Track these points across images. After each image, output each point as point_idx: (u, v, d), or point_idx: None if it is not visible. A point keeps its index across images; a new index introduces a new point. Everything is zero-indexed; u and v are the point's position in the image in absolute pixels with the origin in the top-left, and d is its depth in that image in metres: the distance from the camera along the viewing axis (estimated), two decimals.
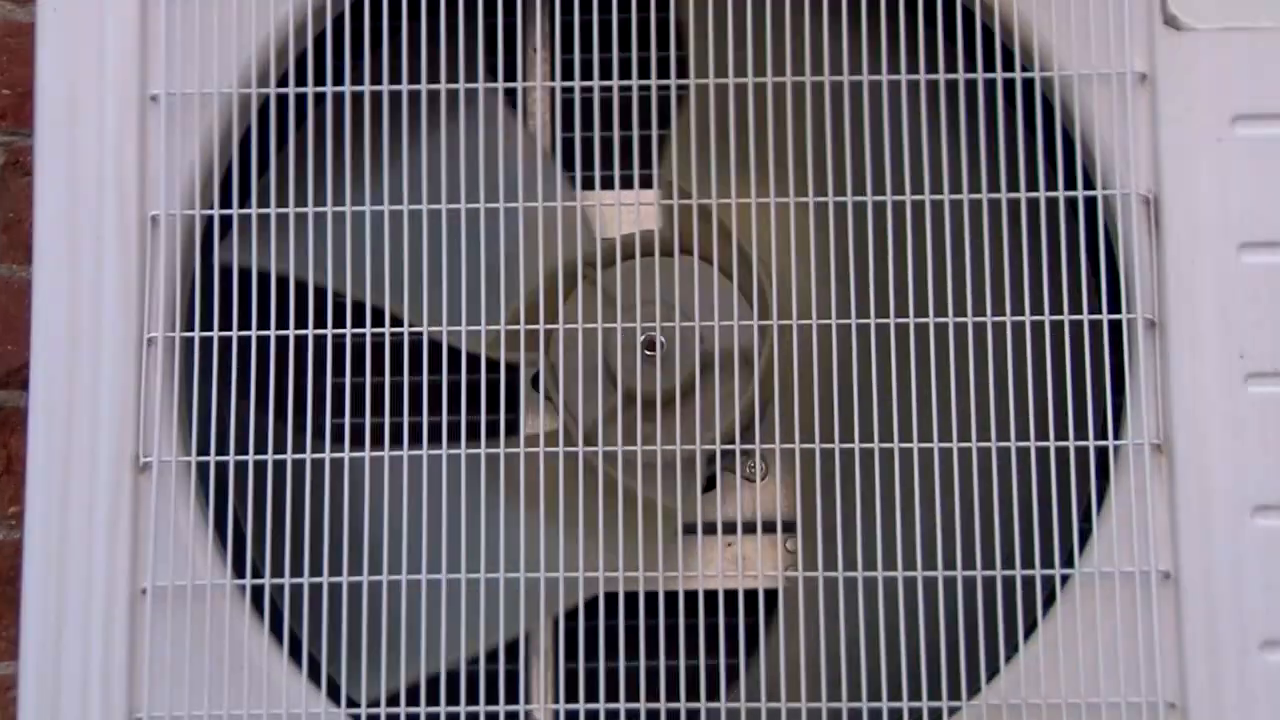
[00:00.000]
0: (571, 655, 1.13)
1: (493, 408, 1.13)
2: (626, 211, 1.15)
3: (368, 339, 1.12)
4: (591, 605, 1.11)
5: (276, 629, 1.10)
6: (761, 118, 1.11)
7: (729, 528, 1.14)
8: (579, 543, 1.07)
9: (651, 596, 1.10)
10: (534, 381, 1.16)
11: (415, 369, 1.13)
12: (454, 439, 1.12)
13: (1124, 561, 1.08)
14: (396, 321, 1.12)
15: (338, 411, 1.14)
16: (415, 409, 1.13)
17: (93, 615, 1.08)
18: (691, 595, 1.10)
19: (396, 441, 1.10)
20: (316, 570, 1.09)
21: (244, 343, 1.11)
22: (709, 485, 1.14)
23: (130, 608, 1.09)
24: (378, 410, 1.11)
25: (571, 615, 1.11)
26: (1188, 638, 1.07)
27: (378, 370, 1.11)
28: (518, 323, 1.11)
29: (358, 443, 1.11)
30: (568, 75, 1.16)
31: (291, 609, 1.10)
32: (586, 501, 1.08)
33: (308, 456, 1.10)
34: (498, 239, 1.10)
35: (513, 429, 1.15)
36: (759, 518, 1.11)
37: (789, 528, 1.13)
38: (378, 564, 1.09)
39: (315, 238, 1.12)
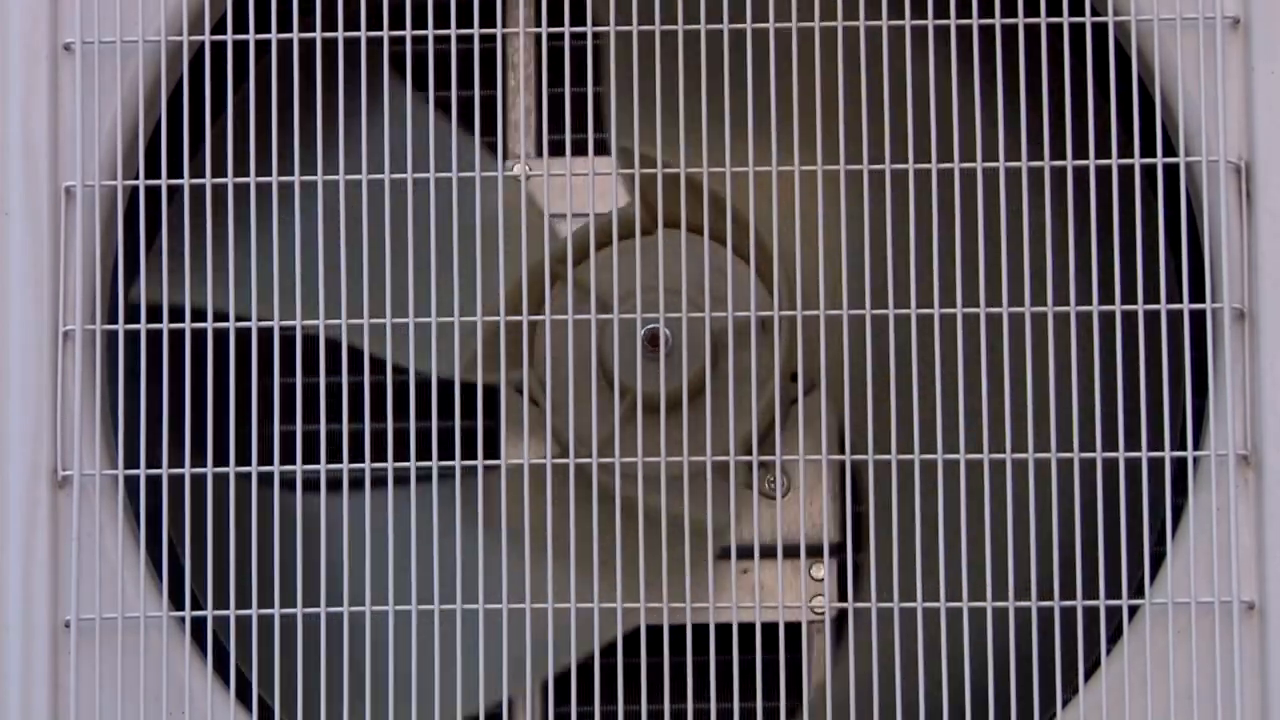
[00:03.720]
0: (564, 699, 1.12)
1: (469, 442, 1.11)
2: (581, 188, 1.12)
3: (321, 335, 1.10)
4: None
5: (221, 667, 1.09)
6: (763, 66, 1.09)
7: (745, 552, 1.13)
8: (591, 574, 1.06)
9: (676, 630, 1.09)
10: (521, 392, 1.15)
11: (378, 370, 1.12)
12: (428, 475, 1.09)
13: (1202, 591, 1.07)
14: (356, 351, 1.11)
15: (288, 419, 1.13)
16: (380, 448, 1.10)
17: (8, 652, 1.07)
18: (703, 628, 1.09)
19: (361, 471, 1.09)
20: (266, 601, 1.08)
21: (177, 336, 1.09)
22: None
23: (51, 643, 1.07)
24: (337, 440, 1.10)
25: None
26: (1274, 678, 1.06)
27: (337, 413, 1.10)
28: (491, 342, 1.09)
29: (312, 457, 1.10)
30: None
31: (238, 645, 1.08)
32: (600, 526, 1.06)
33: (254, 470, 1.09)
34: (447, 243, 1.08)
35: (494, 451, 1.13)
36: (780, 540, 1.11)
37: (813, 551, 1.13)
38: (338, 594, 1.09)
39: (238, 267, 1.09)
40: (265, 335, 1.10)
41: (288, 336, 1.12)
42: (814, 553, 1.12)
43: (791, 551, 1.11)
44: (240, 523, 1.09)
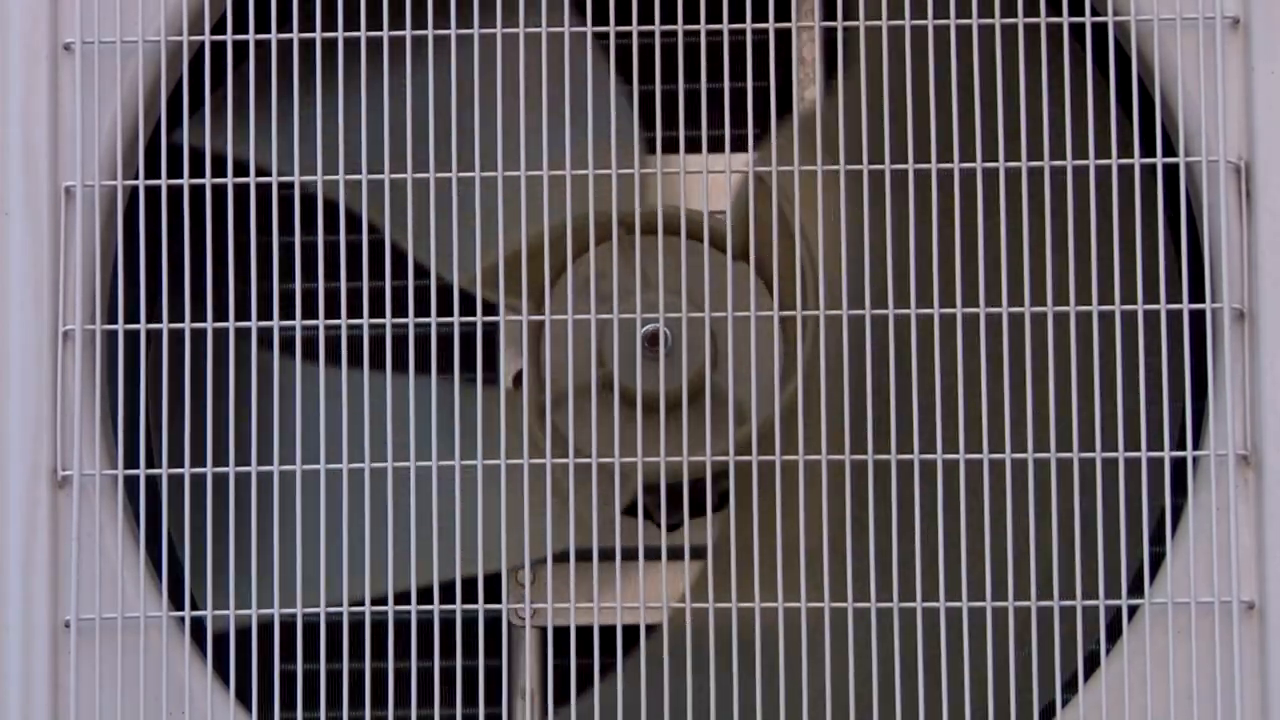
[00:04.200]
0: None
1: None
2: (696, 185, 1.11)
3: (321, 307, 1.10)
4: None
5: (221, 668, 1.09)
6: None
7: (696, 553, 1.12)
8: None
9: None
10: (516, 380, 1.15)
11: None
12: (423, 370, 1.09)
13: (1202, 591, 1.07)
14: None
15: (289, 413, 1.12)
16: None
17: (8, 652, 1.07)
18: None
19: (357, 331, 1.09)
20: (266, 602, 1.08)
21: (177, 336, 1.09)
22: (722, 503, 1.13)
23: (51, 643, 1.07)
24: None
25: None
26: (1274, 678, 1.06)
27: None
28: (514, 265, 1.09)
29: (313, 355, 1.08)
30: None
31: (238, 645, 1.08)
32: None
33: (253, 469, 1.09)
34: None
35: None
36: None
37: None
38: (337, 590, 1.09)
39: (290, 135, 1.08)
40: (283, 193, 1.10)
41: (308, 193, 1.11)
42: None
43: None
44: (240, 515, 1.09)
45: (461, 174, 1.10)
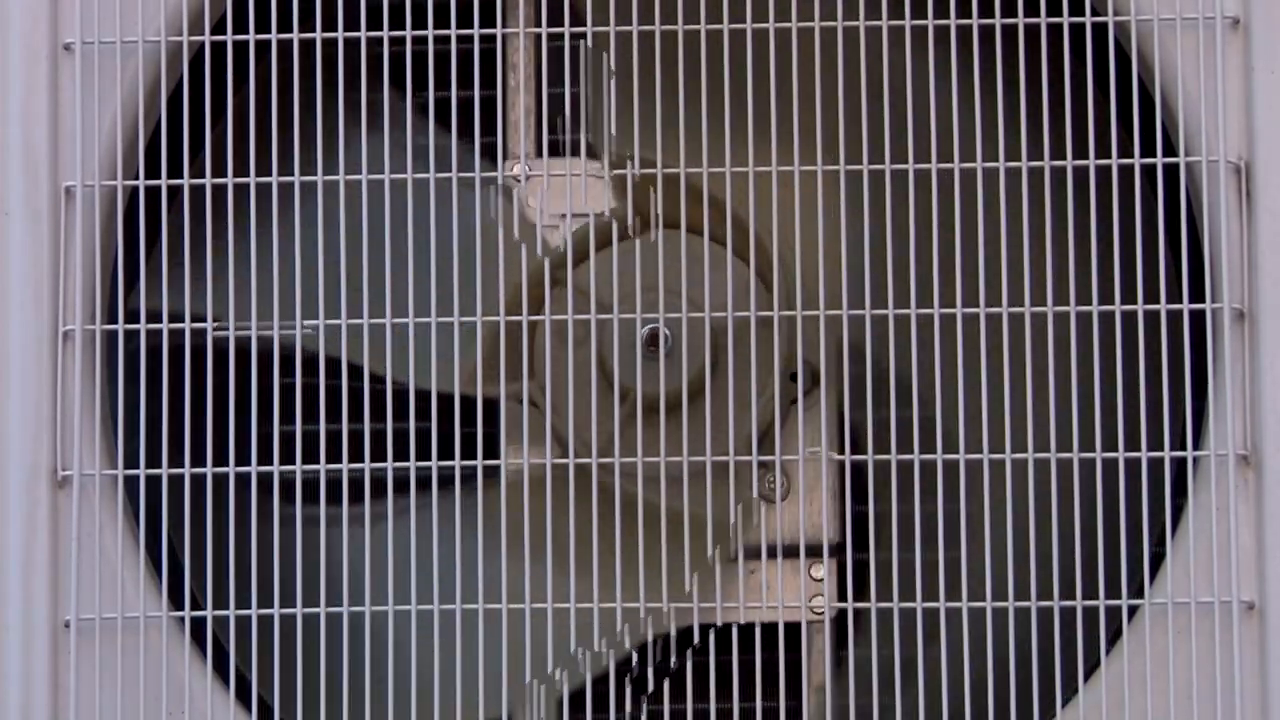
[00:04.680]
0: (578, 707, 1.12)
1: (470, 450, 1.11)
2: (576, 189, 1.12)
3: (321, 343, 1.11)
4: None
5: (221, 667, 1.09)
6: (761, 67, 1.09)
7: (750, 553, 1.12)
8: (613, 575, 1.06)
9: (685, 631, 1.09)
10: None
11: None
12: (428, 485, 1.09)
13: (1202, 591, 1.07)
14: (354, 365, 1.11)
15: (287, 421, 1.13)
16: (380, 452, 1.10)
17: (8, 652, 1.07)
18: (714, 627, 1.10)
19: (360, 474, 1.09)
20: (266, 603, 1.08)
21: (178, 337, 1.10)
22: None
23: (51, 643, 1.08)
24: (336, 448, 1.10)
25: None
26: (1274, 678, 1.06)
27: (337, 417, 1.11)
28: (491, 355, 1.09)
29: (312, 459, 1.10)
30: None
31: (238, 645, 1.09)
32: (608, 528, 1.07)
33: (253, 470, 1.09)
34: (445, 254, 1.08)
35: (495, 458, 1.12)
36: (780, 541, 1.11)
37: (813, 551, 1.13)
38: (339, 597, 1.09)
39: (237, 272, 1.09)
40: (264, 343, 1.10)
41: (287, 343, 1.11)
42: (815, 553, 1.13)
43: (791, 552, 1.12)
44: (240, 526, 1.09)
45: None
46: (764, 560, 1.11)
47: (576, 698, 1.11)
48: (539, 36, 1.15)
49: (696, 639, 1.10)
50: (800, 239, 1.10)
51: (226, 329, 1.10)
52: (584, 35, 1.11)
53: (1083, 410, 1.08)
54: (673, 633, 1.10)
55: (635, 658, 1.10)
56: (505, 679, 1.07)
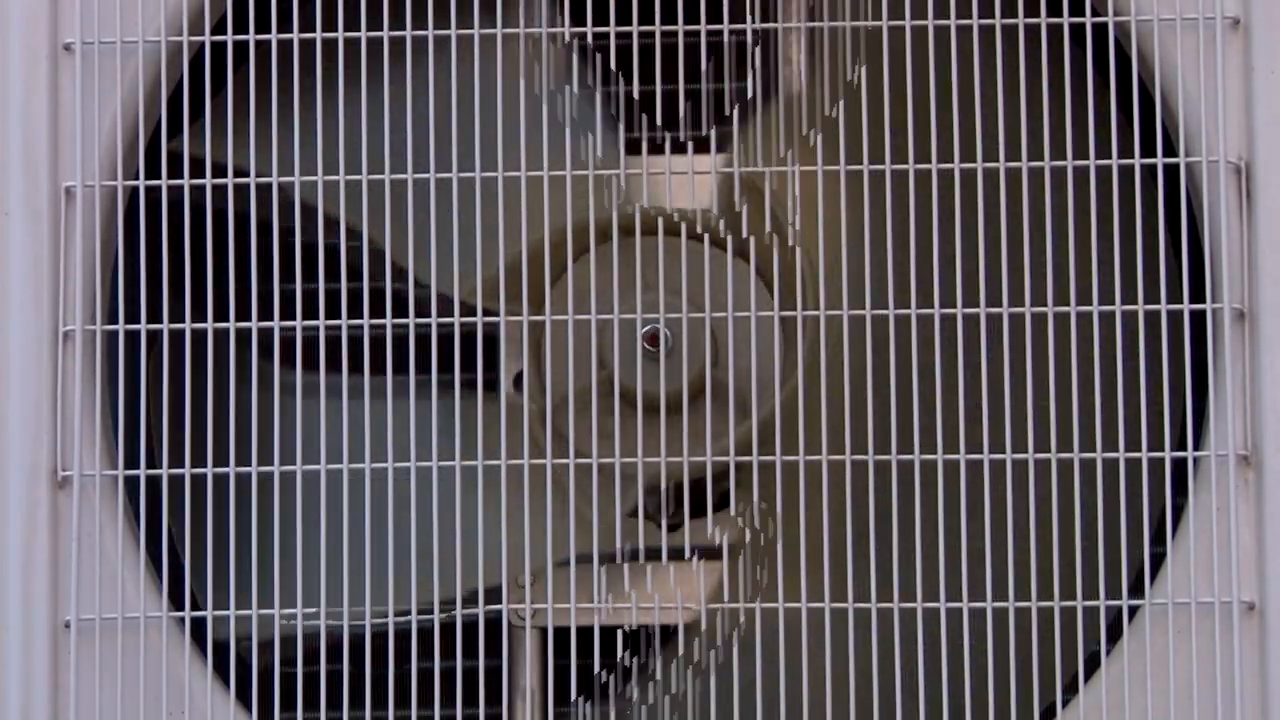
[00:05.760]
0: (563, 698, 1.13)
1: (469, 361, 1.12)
2: (679, 185, 1.13)
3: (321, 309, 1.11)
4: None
5: (222, 668, 1.10)
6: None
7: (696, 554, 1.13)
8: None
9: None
10: (516, 381, 1.16)
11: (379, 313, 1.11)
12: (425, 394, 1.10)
13: (1202, 591, 1.07)
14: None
15: (289, 413, 1.13)
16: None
17: (8, 652, 1.08)
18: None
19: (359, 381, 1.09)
20: (267, 602, 1.09)
21: (177, 337, 1.10)
22: (723, 503, 1.14)
23: (51, 643, 1.08)
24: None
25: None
26: (1274, 678, 1.07)
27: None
28: (513, 274, 1.10)
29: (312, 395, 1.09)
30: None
31: (238, 646, 1.09)
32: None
33: (254, 470, 1.10)
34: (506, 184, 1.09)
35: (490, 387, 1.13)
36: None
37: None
38: (338, 591, 1.09)
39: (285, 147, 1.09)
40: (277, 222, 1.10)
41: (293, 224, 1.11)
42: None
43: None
44: (240, 515, 1.10)
45: (439, 175, 1.10)
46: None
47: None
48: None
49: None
50: (800, 240, 1.11)
51: (226, 326, 1.11)
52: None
53: (1083, 410, 1.09)
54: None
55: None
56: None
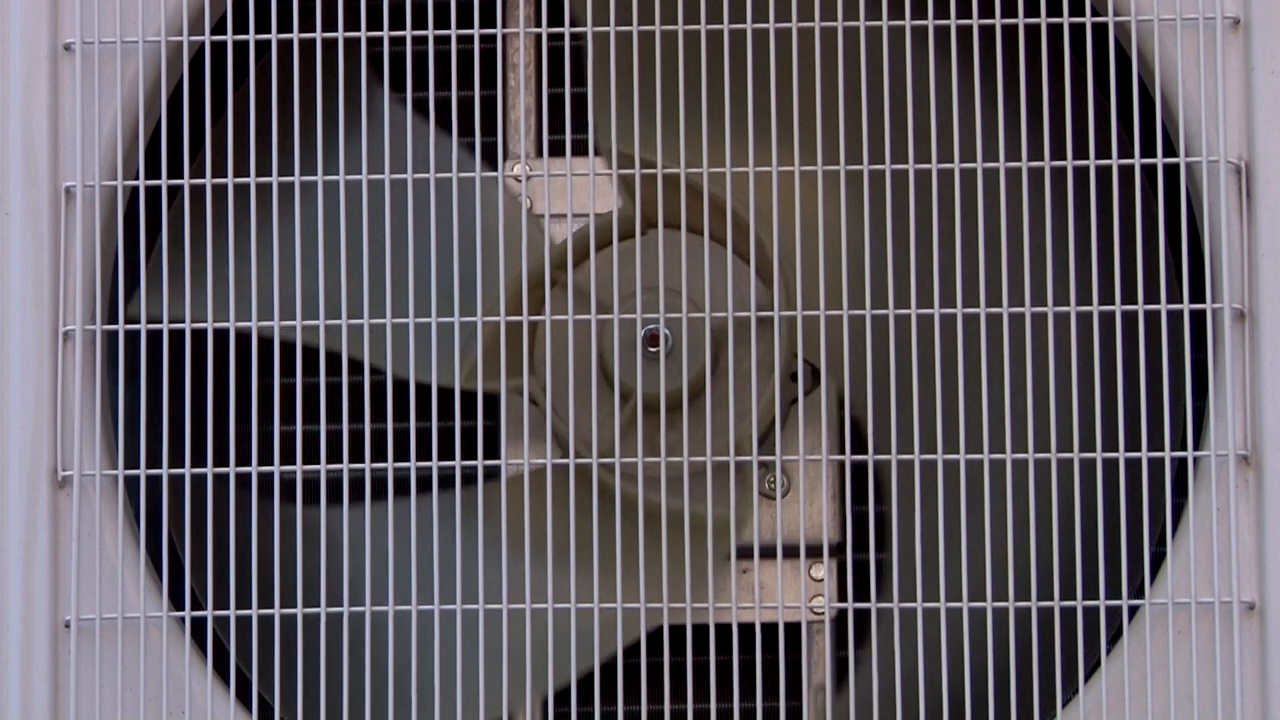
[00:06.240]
0: (564, 700, 1.13)
1: (470, 447, 1.12)
2: (581, 188, 1.13)
3: (322, 339, 1.12)
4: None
5: (221, 668, 1.10)
6: (761, 66, 1.10)
7: (745, 552, 1.13)
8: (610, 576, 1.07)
9: (677, 631, 1.10)
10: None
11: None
12: (430, 485, 1.09)
13: (1203, 591, 1.08)
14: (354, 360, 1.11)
15: (287, 421, 1.14)
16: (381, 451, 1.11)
17: (8, 652, 1.08)
18: (703, 629, 1.10)
19: (360, 474, 1.09)
20: (266, 603, 1.09)
21: (175, 341, 1.10)
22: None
23: (52, 643, 1.08)
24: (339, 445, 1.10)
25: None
26: (1274, 678, 1.07)
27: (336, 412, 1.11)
28: (491, 350, 1.10)
29: (312, 458, 1.11)
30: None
31: (238, 645, 1.09)
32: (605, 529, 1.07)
33: (253, 470, 1.10)
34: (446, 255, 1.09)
35: (495, 455, 1.13)
36: (780, 540, 1.12)
37: (813, 552, 1.14)
38: (339, 599, 1.10)
39: (237, 273, 1.10)
40: (264, 340, 1.11)
41: (287, 341, 1.12)
42: (815, 553, 1.14)
43: (792, 552, 1.13)
44: (240, 526, 1.10)
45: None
46: (756, 560, 1.12)
47: (581, 695, 1.12)
48: (539, 36, 1.16)
49: (689, 639, 1.11)
50: (800, 239, 1.11)
51: (226, 324, 1.11)
52: (584, 35, 1.12)
53: (1083, 410, 1.09)
54: (665, 632, 1.11)
55: (628, 657, 1.11)
56: (505, 679, 1.08)
